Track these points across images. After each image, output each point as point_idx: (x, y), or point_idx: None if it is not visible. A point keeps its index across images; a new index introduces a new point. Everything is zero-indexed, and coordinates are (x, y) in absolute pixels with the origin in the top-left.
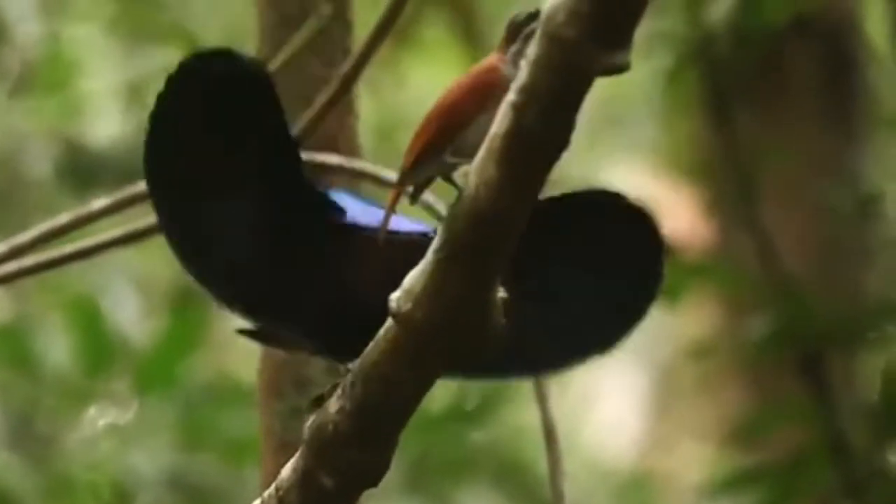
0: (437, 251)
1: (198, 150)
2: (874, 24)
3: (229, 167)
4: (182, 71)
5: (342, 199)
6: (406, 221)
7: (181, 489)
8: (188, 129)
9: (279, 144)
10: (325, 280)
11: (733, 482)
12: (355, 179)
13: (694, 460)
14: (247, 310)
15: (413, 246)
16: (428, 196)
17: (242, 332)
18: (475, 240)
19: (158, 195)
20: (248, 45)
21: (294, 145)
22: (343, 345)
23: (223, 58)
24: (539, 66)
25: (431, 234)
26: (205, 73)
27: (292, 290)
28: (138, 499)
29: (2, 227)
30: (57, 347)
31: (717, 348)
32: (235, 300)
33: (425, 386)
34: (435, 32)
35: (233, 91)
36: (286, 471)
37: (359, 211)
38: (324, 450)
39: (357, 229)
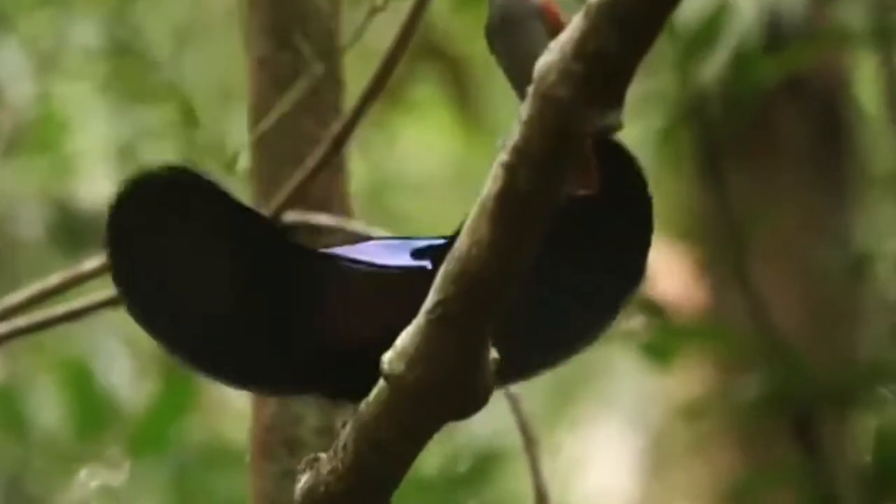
0: (430, 312)
1: (159, 252)
2: (865, 85)
3: (195, 259)
4: (127, 188)
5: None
6: (400, 253)
7: None
8: (145, 236)
9: (238, 221)
10: (311, 326)
11: None
12: (346, 239)
13: None
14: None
15: (403, 281)
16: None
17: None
18: (468, 301)
19: (128, 295)
20: (241, 105)
21: (255, 216)
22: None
23: (162, 172)
24: (531, 126)
25: (426, 268)
26: (147, 185)
27: (276, 343)
28: None
29: None
30: (48, 409)
31: (710, 410)
32: (219, 365)
33: (418, 447)
34: (426, 92)
35: (178, 196)
36: None
37: (368, 250)
38: None
39: (342, 268)
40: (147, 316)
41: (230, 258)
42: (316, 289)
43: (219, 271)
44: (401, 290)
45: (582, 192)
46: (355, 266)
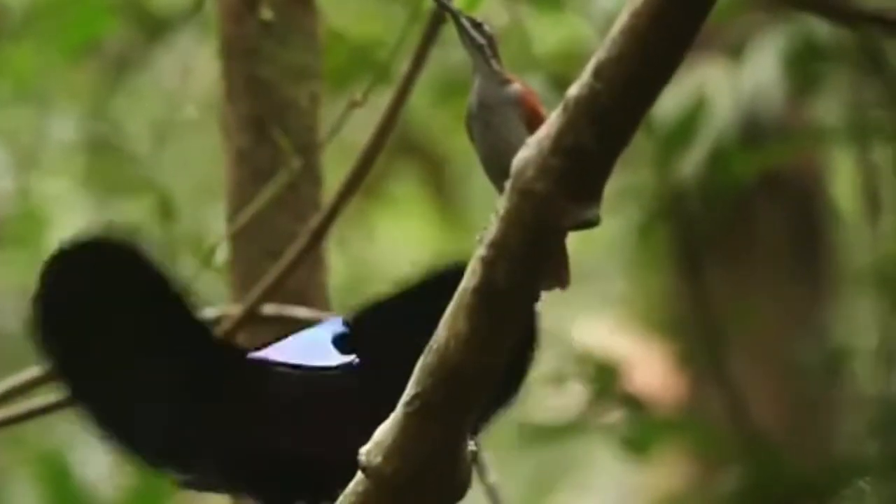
0: (407, 404)
1: (84, 329)
2: (841, 182)
3: (121, 339)
4: (54, 261)
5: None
6: (324, 348)
7: None
8: (71, 313)
9: (172, 311)
10: (239, 426)
11: None
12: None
13: None
14: (167, 464)
15: (330, 380)
16: None
17: (180, 483)
18: (445, 393)
19: (62, 376)
20: (219, 200)
21: (191, 306)
22: (274, 488)
23: (94, 244)
24: (509, 220)
25: (351, 364)
26: (76, 261)
27: (208, 439)
28: None
29: None
30: (26, 502)
31: (689, 503)
32: (154, 458)
33: None
34: (404, 187)
35: (107, 272)
36: None
37: (298, 347)
38: None
39: (270, 370)
40: (75, 381)
41: (162, 364)
42: (245, 393)
43: (150, 375)
44: (329, 388)
45: (556, 287)
46: (283, 369)
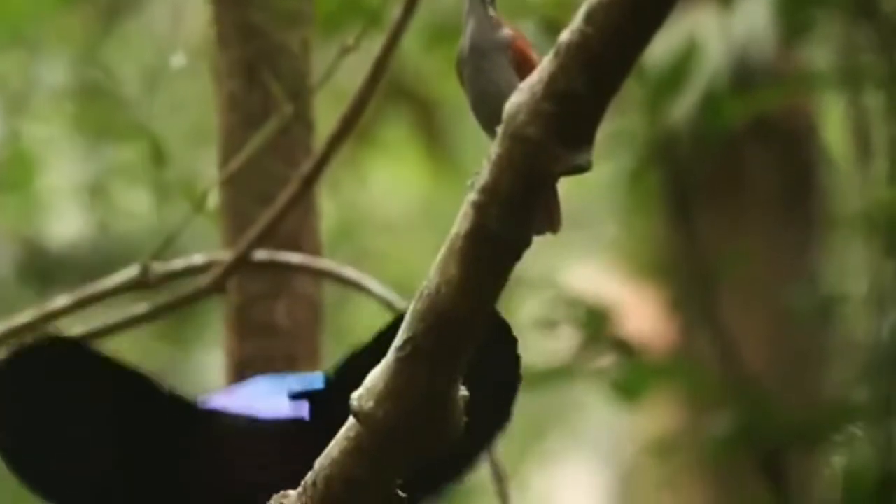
0: (399, 349)
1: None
2: (832, 126)
3: (76, 424)
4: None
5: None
6: (278, 399)
7: None
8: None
9: (120, 386)
10: (193, 480)
11: None
12: (317, 278)
13: None
14: None
15: (282, 431)
16: (388, 293)
17: None
18: (437, 338)
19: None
20: (210, 145)
21: (136, 377)
22: None
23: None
24: (500, 165)
25: (302, 418)
26: (26, 359)
27: (164, 497)
28: None
29: None
30: None
31: (679, 447)
32: None
33: (387, 484)
34: (396, 132)
35: (57, 365)
36: None
37: (246, 398)
38: None
39: (222, 422)
40: (34, 477)
41: (110, 421)
42: (198, 443)
43: (99, 434)
44: (280, 439)
45: (548, 231)
46: (235, 419)
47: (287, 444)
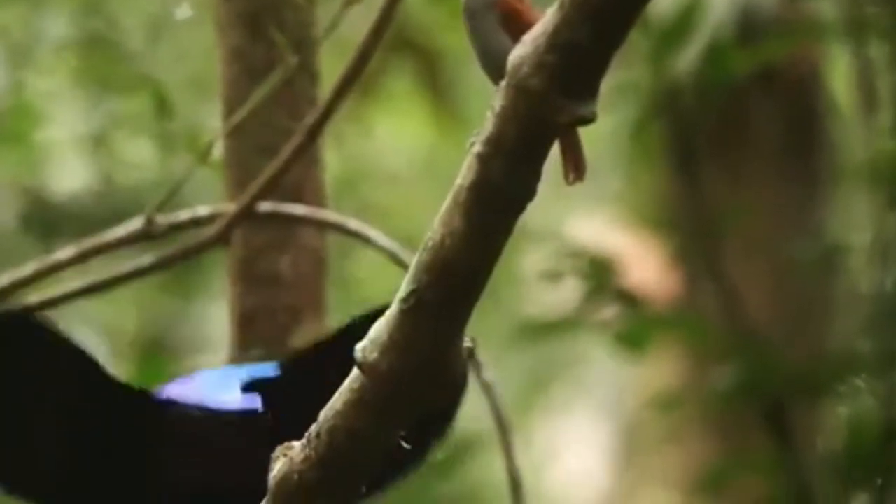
0: (403, 301)
1: None
2: (837, 78)
3: (32, 407)
4: None
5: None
6: (231, 389)
7: None
8: None
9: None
10: (141, 465)
11: None
12: (321, 229)
13: None
14: None
15: (235, 423)
16: (392, 244)
17: None
18: (441, 289)
19: None
20: (214, 96)
21: (92, 364)
22: None
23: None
24: (505, 117)
25: (258, 411)
26: None
27: (110, 480)
28: None
29: None
30: None
31: (683, 399)
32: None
33: (390, 435)
34: (400, 84)
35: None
36: None
37: (205, 386)
38: (289, 500)
39: (176, 411)
40: None
41: (66, 407)
42: (151, 433)
43: (54, 419)
44: (232, 429)
45: (573, 178)
46: (187, 410)
47: (239, 434)
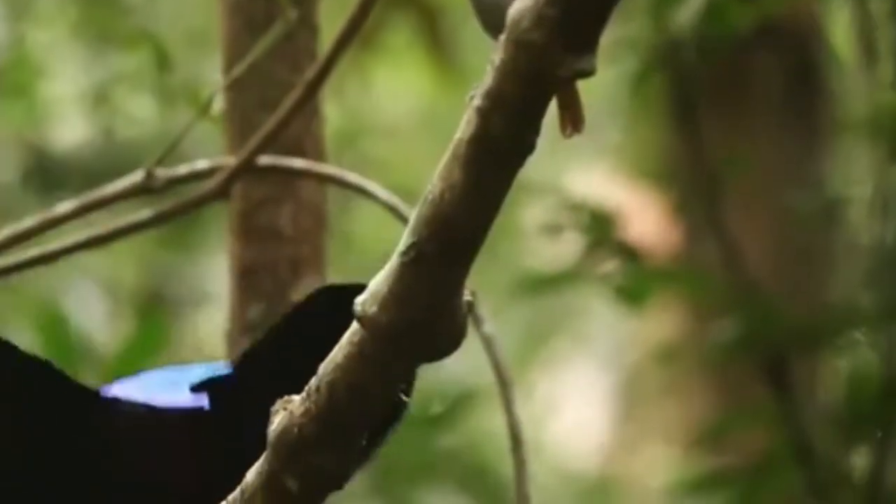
0: (403, 254)
1: None
2: (838, 31)
3: None
4: None
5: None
6: (179, 389)
7: None
8: None
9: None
10: (93, 468)
11: (699, 485)
12: (321, 183)
13: (660, 464)
14: None
15: (181, 422)
16: (392, 198)
17: None
18: (441, 242)
19: None
20: (214, 50)
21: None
22: None
23: None
24: (504, 70)
25: (203, 409)
26: None
27: (50, 482)
28: None
29: None
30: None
31: (683, 352)
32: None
33: (389, 389)
34: (400, 37)
35: None
36: (251, 474)
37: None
38: (289, 453)
39: (121, 410)
40: None
41: (7, 407)
42: (98, 431)
43: None
44: (179, 428)
45: (570, 131)
46: (134, 408)
47: (186, 433)
